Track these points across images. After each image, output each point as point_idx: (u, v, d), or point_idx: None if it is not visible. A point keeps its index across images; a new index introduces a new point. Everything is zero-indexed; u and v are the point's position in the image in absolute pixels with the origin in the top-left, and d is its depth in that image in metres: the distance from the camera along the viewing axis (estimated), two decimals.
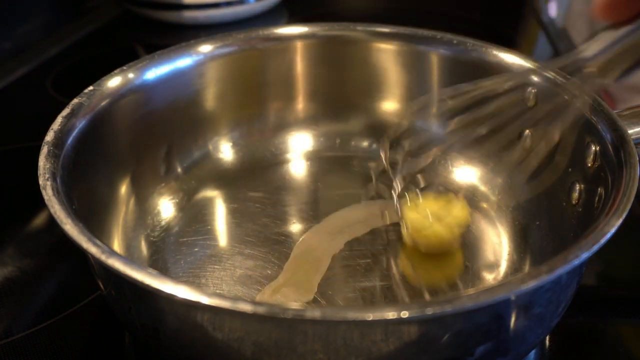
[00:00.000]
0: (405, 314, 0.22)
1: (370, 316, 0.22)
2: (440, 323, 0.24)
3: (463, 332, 0.25)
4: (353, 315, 0.22)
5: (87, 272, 0.32)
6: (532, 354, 0.33)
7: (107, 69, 0.38)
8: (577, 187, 0.35)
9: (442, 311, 0.22)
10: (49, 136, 0.32)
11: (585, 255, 0.25)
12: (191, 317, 0.26)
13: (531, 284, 0.24)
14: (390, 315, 0.22)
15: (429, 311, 0.22)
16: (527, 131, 0.40)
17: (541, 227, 0.38)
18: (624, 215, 0.27)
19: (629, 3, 0.29)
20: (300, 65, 0.46)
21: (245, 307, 0.22)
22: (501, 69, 0.41)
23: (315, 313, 0.22)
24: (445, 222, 0.36)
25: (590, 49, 0.31)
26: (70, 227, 0.26)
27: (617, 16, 0.29)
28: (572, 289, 0.30)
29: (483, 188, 0.43)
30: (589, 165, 0.34)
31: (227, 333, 0.26)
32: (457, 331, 0.25)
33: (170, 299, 0.24)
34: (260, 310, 0.23)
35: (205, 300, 0.23)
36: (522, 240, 0.38)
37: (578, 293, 0.31)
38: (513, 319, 0.26)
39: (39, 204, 0.28)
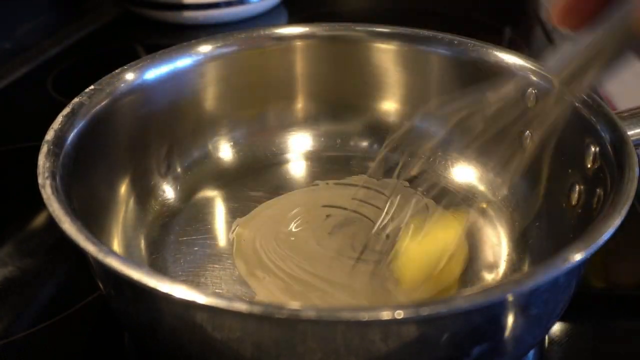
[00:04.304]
0: (400, 315, 0.22)
1: (365, 316, 0.22)
2: (436, 323, 0.24)
3: (459, 333, 0.25)
4: (348, 315, 0.22)
5: (87, 272, 0.32)
6: (531, 354, 0.33)
7: (107, 69, 0.39)
8: (577, 188, 0.35)
9: (437, 312, 0.22)
10: (49, 135, 0.32)
11: (582, 256, 0.25)
12: (189, 317, 0.26)
13: (527, 285, 0.24)
14: (385, 315, 0.22)
15: (424, 312, 0.22)
16: (527, 131, 0.40)
17: (541, 227, 0.38)
18: (622, 217, 0.27)
19: (582, 7, 0.28)
20: (300, 65, 0.46)
21: (241, 307, 0.22)
22: (501, 69, 0.41)
23: (310, 313, 0.22)
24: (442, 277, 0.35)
25: (554, 62, 0.31)
26: (69, 226, 0.26)
27: (574, 23, 0.29)
28: (571, 289, 0.30)
29: (483, 188, 0.42)
30: (589, 166, 0.34)
31: (226, 333, 0.26)
32: (453, 332, 0.25)
33: (167, 298, 0.24)
34: (256, 309, 0.23)
35: (201, 299, 0.23)
36: (522, 240, 0.38)
37: (577, 293, 0.30)
38: (510, 320, 0.26)
39: (39, 203, 0.28)
